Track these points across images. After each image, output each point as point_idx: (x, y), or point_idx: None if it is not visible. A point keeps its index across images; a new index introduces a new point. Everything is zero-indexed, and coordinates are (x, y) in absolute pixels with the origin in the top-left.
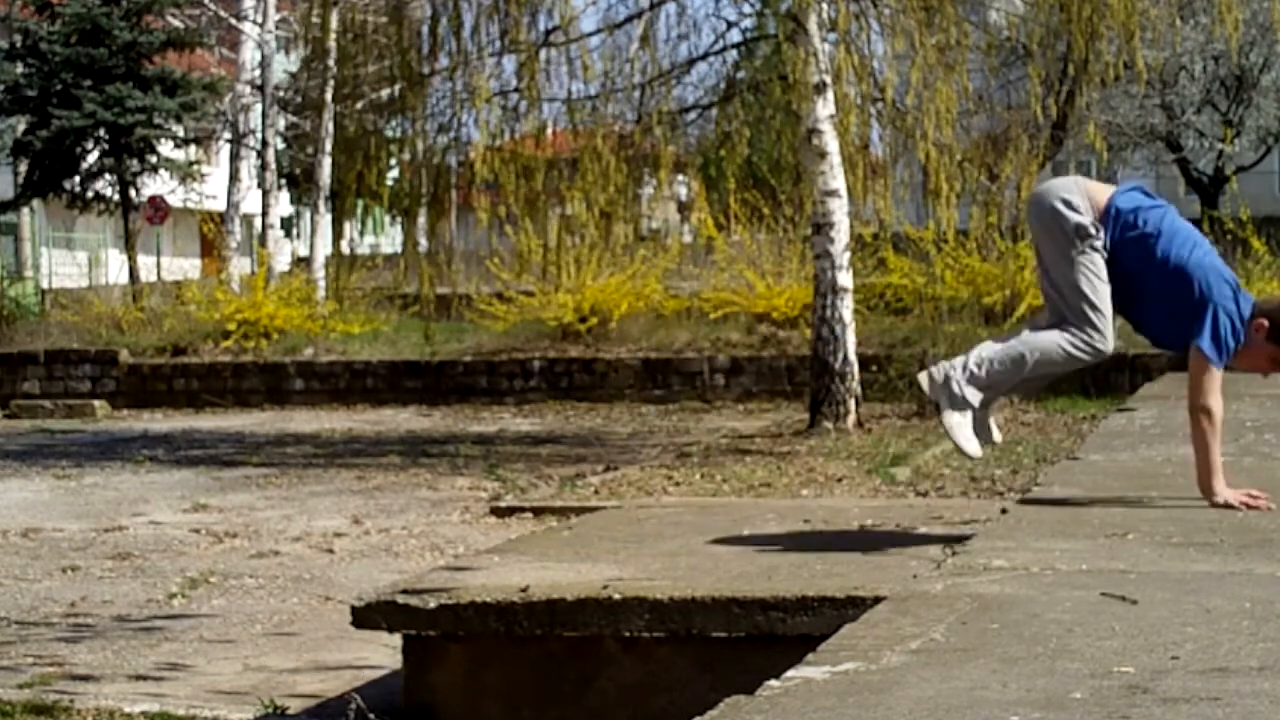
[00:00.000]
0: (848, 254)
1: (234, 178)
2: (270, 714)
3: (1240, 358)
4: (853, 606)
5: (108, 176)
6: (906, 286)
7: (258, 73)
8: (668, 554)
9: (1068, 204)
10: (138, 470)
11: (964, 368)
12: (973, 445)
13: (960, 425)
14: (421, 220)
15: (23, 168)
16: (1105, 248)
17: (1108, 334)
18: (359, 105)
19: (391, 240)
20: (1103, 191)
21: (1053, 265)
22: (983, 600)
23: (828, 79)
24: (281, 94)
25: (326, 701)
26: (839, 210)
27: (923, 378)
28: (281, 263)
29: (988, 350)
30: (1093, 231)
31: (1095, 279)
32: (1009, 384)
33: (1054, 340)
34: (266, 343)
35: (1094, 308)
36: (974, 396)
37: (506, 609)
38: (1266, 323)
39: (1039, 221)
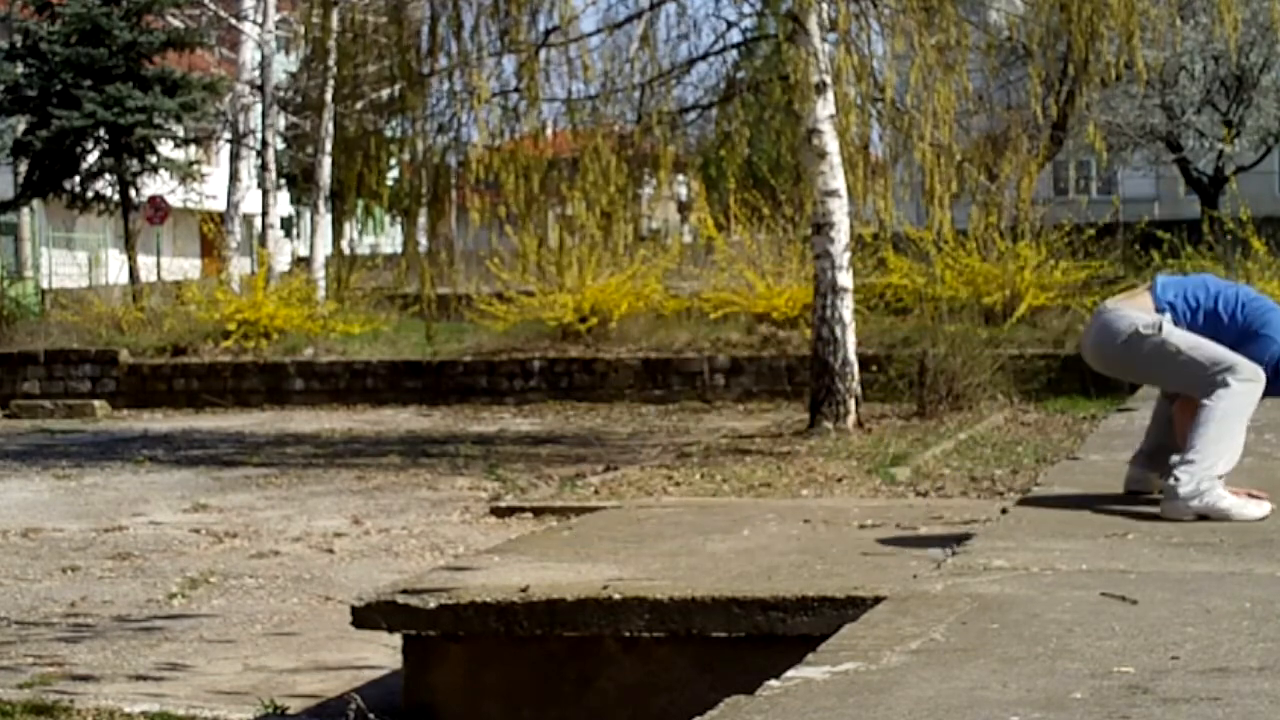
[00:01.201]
0: (848, 254)
1: (234, 178)
2: (270, 714)
3: None
4: (853, 606)
5: (108, 176)
6: (906, 286)
7: (258, 73)
8: (668, 554)
9: (1120, 329)
10: (138, 470)
11: (1190, 482)
12: (1255, 507)
13: (1237, 504)
14: (422, 220)
15: (23, 168)
16: (1179, 323)
17: (1242, 362)
18: (359, 105)
19: (391, 240)
20: (1138, 296)
21: (1163, 374)
22: (983, 600)
23: (828, 79)
24: (281, 94)
25: (326, 701)
26: (839, 210)
27: (1180, 512)
28: (281, 263)
29: (1193, 452)
30: (1155, 316)
31: (1192, 346)
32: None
33: (1218, 404)
34: (266, 343)
35: (1216, 362)
36: (1213, 476)
37: (506, 609)
38: None
39: (1121, 360)
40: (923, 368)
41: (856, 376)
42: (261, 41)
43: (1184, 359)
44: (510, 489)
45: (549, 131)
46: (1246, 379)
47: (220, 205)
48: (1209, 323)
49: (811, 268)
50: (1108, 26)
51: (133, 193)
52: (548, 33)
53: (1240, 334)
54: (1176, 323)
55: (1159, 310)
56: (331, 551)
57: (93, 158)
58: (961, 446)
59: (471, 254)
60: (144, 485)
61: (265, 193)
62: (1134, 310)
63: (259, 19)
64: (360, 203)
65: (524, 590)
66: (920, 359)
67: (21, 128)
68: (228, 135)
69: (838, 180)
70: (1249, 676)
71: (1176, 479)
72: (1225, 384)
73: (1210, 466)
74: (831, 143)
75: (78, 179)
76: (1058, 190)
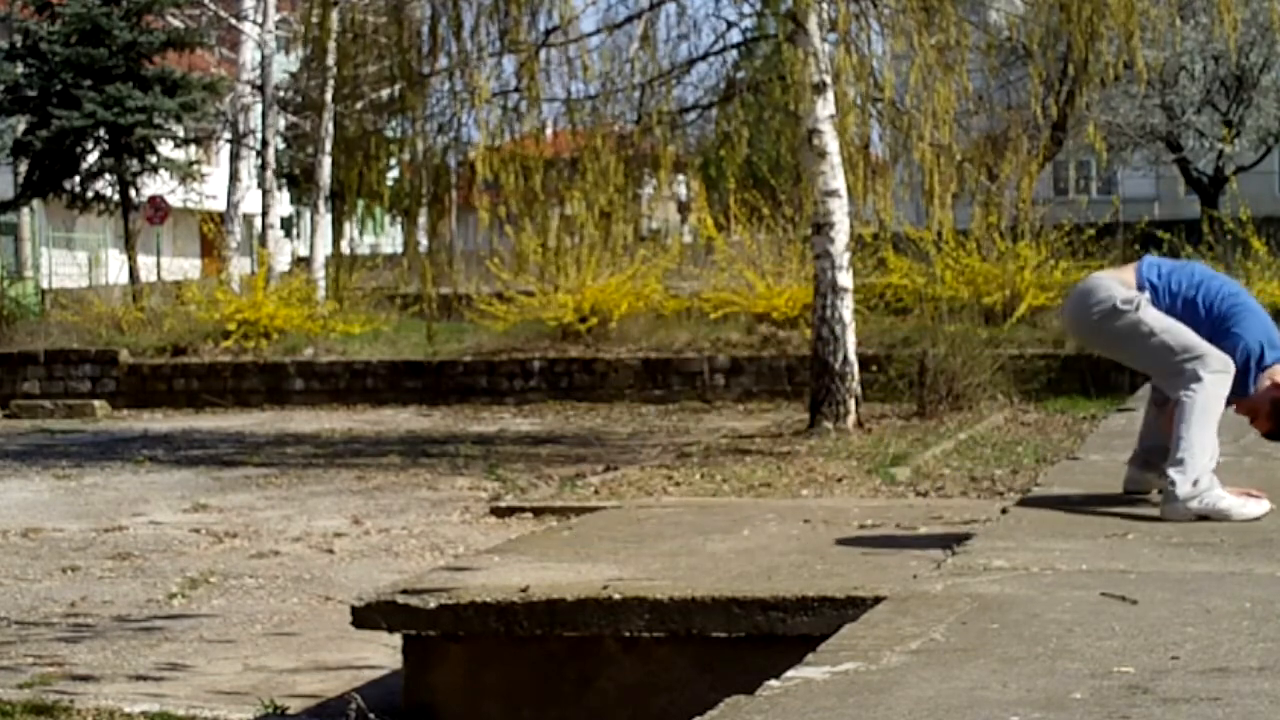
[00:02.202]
0: (848, 254)
1: (234, 178)
2: (270, 714)
3: (1241, 404)
4: (853, 606)
5: (108, 176)
6: (906, 286)
7: (258, 73)
8: (668, 554)
9: (1100, 300)
10: (138, 470)
11: (1185, 482)
12: (1255, 506)
13: (1236, 504)
14: (422, 220)
15: (23, 168)
16: (1157, 305)
17: (1212, 352)
18: (359, 105)
19: (391, 240)
20: (1124, 271)
21: (1132, 352)
22: (983, 600)
23: (828, 79)
24: (281, 94)
25: (326, 701)
26: (839, 210)
27: (1180, 514)
28: (281, 263)
29: (1180, 449)
30: (1135, 293)
31: (1165, 329)
32: (1210, 442)
33: (1194, 398)
34: (266, 343)
35: (1186, 349)
36: (1203, 481)
37: (506, 609)
38: None
39: (1094, 333)
40: (923, 368)
41: (856, 376)
42: (261, 41)
43: (1156, 341)
44: (510, 489)
45: (549, 131)
46: (1217, 370)
47: (220, 205)
48: (1187, 310)
49: (811, 268)
50: (1108, 26)
51: (133, 193)
52: (548, 33)
53: (1213, 329)
54: (1155, 304)
55: (1140, 287)
56: (331, 551)
57: (93, 158)
58: (961, 446)
59: (471, 254)
60: (144, 485)
61: (265, 193)
62: (1116, 283)
63: (259, 19)
64: (360, 203)
65: (524, 590)
66: (920, 359)
67: (21, 128)
68: (228, 135)
69: (838, 180)
70: (1249, 676)
71: (1172, 481)
72: (1197, 376)
73: (1201, 464)
74: (831, 143)
75: (78, 179)
76: (1058, 190)
